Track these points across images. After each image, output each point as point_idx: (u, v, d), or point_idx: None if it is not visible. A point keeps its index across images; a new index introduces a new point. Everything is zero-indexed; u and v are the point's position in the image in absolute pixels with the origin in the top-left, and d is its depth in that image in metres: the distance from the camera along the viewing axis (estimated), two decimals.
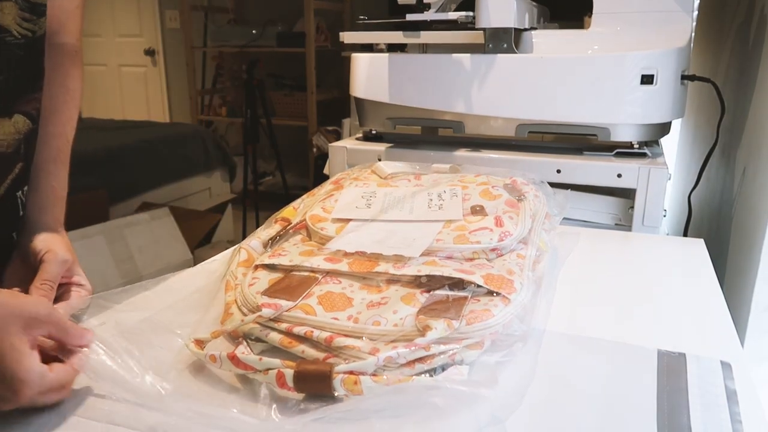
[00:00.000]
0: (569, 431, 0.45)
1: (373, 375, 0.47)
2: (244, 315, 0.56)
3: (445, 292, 0.57)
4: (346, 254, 0.64)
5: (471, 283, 0.58)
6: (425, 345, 0.49)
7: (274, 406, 0.47)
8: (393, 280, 0.60)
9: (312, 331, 0.52)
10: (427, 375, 0.49)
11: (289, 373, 0.47)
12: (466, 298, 0.56)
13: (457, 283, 0.58)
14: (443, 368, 0.49)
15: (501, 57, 1.06)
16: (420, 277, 0.59)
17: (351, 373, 0.47)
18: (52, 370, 0.45)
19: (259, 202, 3.19)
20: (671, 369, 0.53)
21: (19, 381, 0.43)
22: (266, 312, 0.54)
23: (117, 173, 2.54)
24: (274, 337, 0.53)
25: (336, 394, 0.46)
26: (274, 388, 0.48)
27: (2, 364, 0.42)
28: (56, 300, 0.59)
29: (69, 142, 0.68)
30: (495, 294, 0.56)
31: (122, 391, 0.48)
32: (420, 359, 0.49)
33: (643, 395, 0.49)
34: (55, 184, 0.66)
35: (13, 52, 0.56)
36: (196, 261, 2.33)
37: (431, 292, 0.57)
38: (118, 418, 0.46)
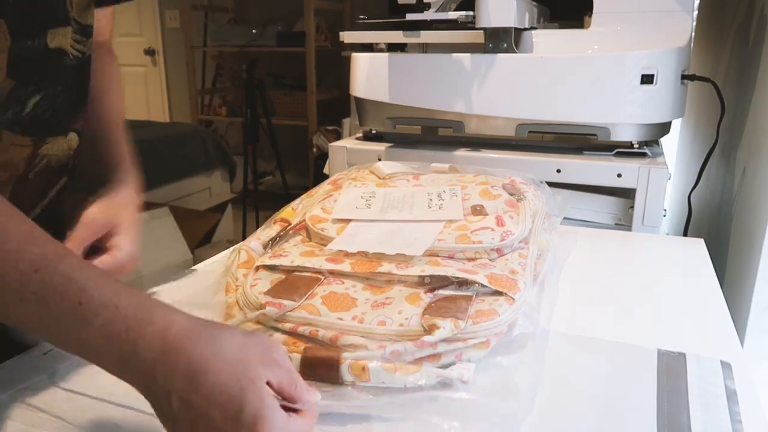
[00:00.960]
0: (569, 431, 0.45)
1: (381, 363, 0.47)
2: (245, 312, 0.56)
3: (449, 291, 0.57)
4: (348, 254, 0.64)
5: (475, 282, 0.58)
6: (432, 343, 0.49)
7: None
8: (397, 280, 0.60)
9: (317, 331, 0.52)
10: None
11: (296, 357, 0.47)
12: (471, 297, 0.56)
13: (461, 283, 0.58)
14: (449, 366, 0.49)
15: (501, 57, 1.06)
16: (424, 277, 0.59)
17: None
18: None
19: (259, 201, 3.19)
20: (671, 369, 0.53)
21: (263, 420, 0.36)
22: (270, 311, 0.54)
23: None
24: (278, 337, 0.53)
25: (343, 381, 0.46)
26: None
27: (242, 401, 0.36)
28: None
29: (122, 112, 0.71)
30: (499, 294, 0.56)
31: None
32: (426, 357, 0.49)
33: (643, 395, 0.49)
34: (123, 150, 0.69)
35: (69, 74, 0.57)
36: (196, 261, 2.33)
37: (435, 292, 0.57)
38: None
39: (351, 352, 0.48)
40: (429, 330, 0.50)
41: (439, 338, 0.49)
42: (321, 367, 0.46)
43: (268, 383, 0.39)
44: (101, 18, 0.71)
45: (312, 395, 0.42)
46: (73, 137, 0.62)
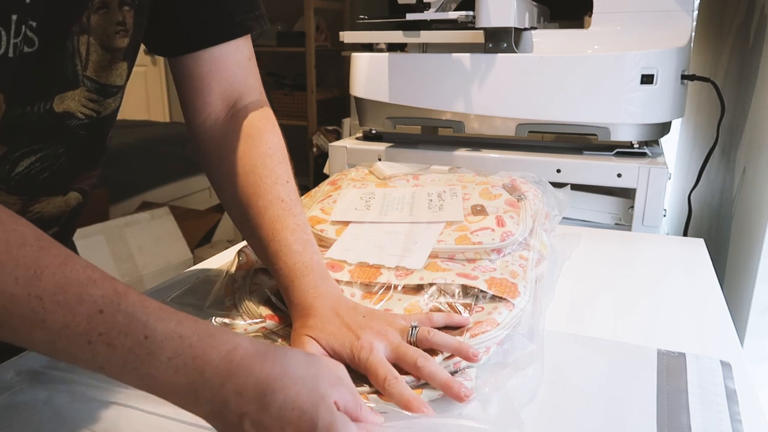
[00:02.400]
0: (569, 431, 0.45)
1: (380, 394, 0.46)
2: (245, 319, 0.56)
3: (448, 298, 0.57)
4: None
5: (475, 287, 0.57)
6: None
7: None
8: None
9: None
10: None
11: None
12: (470, 305, 0.56)
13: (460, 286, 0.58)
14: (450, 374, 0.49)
15: (501, 56, 1.06)
16: (423, 285, 0.59)
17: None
18: None
19: None
20: (671, 369, 0.53)
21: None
22: (269, 324, 0.54)
23: (117, 173, 2.54)
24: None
25: None
26: None
27: (314, 416, 0.36)
28: None
29: (290, 201, 0.58)
30: (499, 299, 0.56)
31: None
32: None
33: (643, 395, 0.49)
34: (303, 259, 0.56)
35: (76, 134, 0.54)
36: (196, 260, 2.33)
37: (434, 299, 0.57)
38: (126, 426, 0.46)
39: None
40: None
41: (437, 362, 0.49)
42: None
43: (334, 403, 0.38)
44: (237, 70, 0.61)
45: (377, 417, 0.41)
46: (72, 196, 0.57)
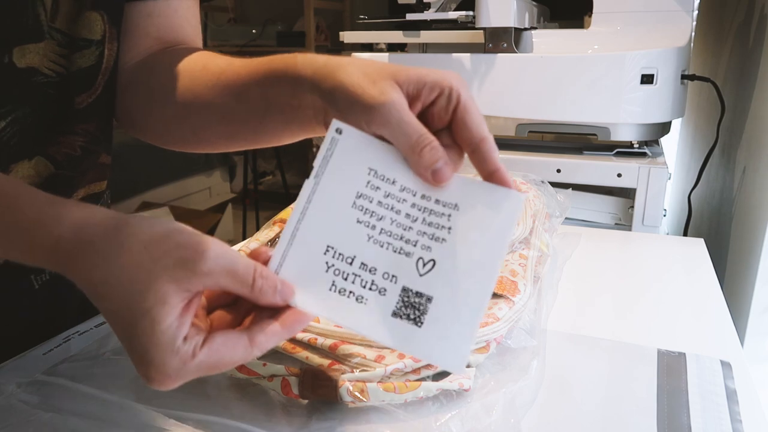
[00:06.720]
0: (569, 430, 0.45)
1: (380, 382, 0.46)
2: None
3: None
4: None
5: None
6: None
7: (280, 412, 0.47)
8: None
9: (316, 339, 0.52)
10: (431, 379, 0.48)
11: (294, 380, 0.46)
12: None
13: None
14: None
15: (501, 56, 1.06)
16: None
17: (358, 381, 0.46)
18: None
19: (260, 201, 3.19)
20: (671, 368, 0.53)
21: (151, 367, 0.32)
22: None
23: (117, 173, 2.53)
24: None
25: (342, 401, 0.46)
26: (279, 394, 0.47)
27: (132, 335, 0.32)
28: None
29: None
30: (499, 296, 0.56)
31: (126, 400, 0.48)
32: (425, 366, 0.49)
33: (643, 395, 0.49)
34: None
35: (43, 91, 0.49)
36: None
37: None
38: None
39: (350, 374, 0.47)
40: None
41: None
42: (319, 390, 0.46)
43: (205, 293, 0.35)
44: (169, 14, 0.56)
45: (277, 295, 0.35)
46: (40, 162, 0.51)
